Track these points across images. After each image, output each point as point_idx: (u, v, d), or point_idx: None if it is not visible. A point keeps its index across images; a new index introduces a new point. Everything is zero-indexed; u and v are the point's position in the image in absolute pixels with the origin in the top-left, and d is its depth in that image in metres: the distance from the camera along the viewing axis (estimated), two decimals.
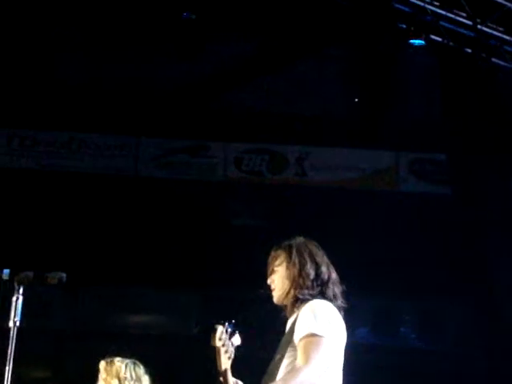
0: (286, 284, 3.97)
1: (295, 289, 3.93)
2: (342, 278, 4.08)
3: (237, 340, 3.65)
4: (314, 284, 3.93)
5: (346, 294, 4.05)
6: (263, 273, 4.14)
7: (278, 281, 4.00)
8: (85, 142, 14.71)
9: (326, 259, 4.03)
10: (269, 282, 4.04)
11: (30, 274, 3.89)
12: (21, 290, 3.87)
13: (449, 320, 13.99)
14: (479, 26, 9.83)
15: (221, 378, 3.65)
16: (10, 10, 11.23)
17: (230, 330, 3.63)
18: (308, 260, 3.97)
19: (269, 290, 4.06)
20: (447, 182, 12.78)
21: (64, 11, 11.71)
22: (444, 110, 11.66)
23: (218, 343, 3.59)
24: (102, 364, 5.73)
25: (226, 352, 3.60)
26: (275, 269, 4.03)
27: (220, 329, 3.60)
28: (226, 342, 3.60)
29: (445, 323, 13.98)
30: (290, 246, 4.04)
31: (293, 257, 3.99)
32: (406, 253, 13.22)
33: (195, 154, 14.85)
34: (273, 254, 4.08)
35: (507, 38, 9.91)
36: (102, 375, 5.70)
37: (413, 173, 14.76)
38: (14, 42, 12.19)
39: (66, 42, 12.58)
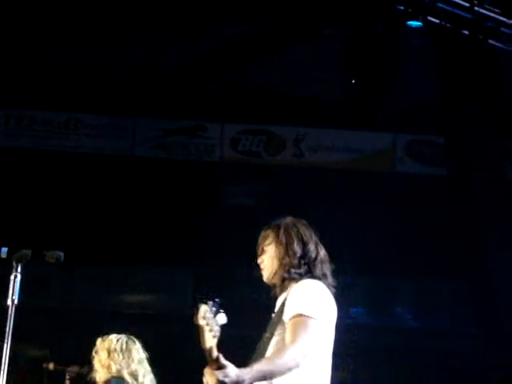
0: (275, 263, 3.99)
1: (283, 267, 3.96)
2: (338, 258, 4.09)
3: (222, 319, 3.65)
4: (302, 262, 3.95)
5: (341, 274, 4.06)
6: (257, 252, 4.18)
7: (268, 260, 4.03)
8: (82, 123, 14.70)
9: (314, 238, 4.05)
10: (259, 261, 4.08)
11: (28, 252, 3.91)
12: (19, 269, 3.88)
13: (444, 299, 14.04)
14: (476, 8, 9.82)
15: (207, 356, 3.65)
16: None
17: (214, 308, 3.64)
18: (295, 239, 3.99)
19: (259, 269, 4.09)
20: (444, 164, 12.81)
21: None
22: (441, 91, 11.67)
23: (202, 322, 3.59)
24: (98, 341, 5.77)
25: (211, 331, 3.60)
26: (265, 248, 4.07)
27: (203, 307, 3.61)
28: (210, 321, 3.60)
29: (440, 302, 14.04)
30: (278, 226, 4.06)
31: (280, 236, 4.01)
32: (402, 233, 13.28)
33: (192, 134, 14.85)
34: (262, 233, 4.11)
35: (504, 19, 9.89)
36: (95, 352, 5.74)
37: (409, 154, 14.78)
38: (12, 24, 12.17)
39: (63, 24, 12.56)
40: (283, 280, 3.96)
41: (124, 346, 5.66)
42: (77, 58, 13.63)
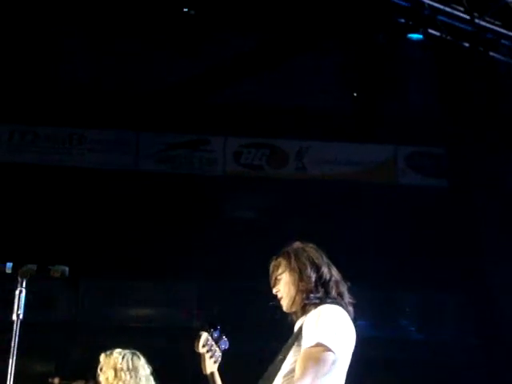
0: (292, 290, 3.93)
1: (301, 293, 3.90)
2: (342, 272, 4.07)
3: (224, 344, 3.68)
4: (318, 286, 3.89)
5: (347, 288, 4.05)
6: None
7: (284, 288, 3.96)
8: (85, 138, 14.75)
9: (325, 260, 4.00)
10: (274, 291, 4.01)
11: (33, 267, 3.89)
12: (24, 283, 3.85)
13: (448, 312, 14.03)
14: (476, 20, 9.87)
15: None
16: (12, 7, 11.27)
17: (215, 335, 3.65)
18: (307, 263, 3.94)
19: (277, 300, 4.01)
20: (445, 176, 12.84)
21: (65, 9, 11.76)
22: (441, 103, 11.72)
23: (202, 350, 3.64)
24: (102, 356, 5.77)
25: (212, 357, 3.64)
26: (278, 277, 4.00)
27: (204, 336, 3.66)
28: (212, 348, 3.63)
29: (444, 315, 14.03)
30: (288, 253, 4.00)
31: (292, 263, 3.95)
32: (405, 245, 13.27)
33: (195, 148, 14.89)
34: (273, 263, 4.05)
35: (504, 31, 9.94)
36: (101, 367, 5.75)
37: (411, 166, 14.80)
38: (15, 39, 12.24)
39: (66, 39, 12.64)
40: (303, 306, 3.91)
41: (130, 365, 5.66)
42: (80, 73, 13.69)
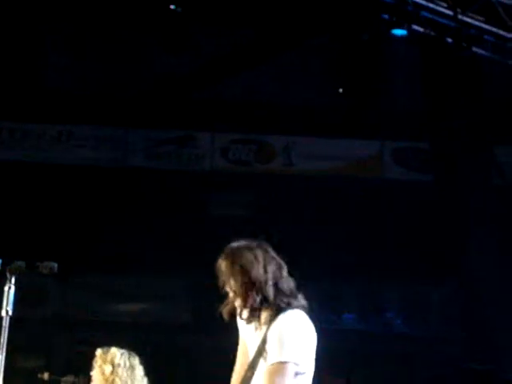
0: (241, 295, 3.90)
1: (249, 299, 3.86)
2: (328, 265, 4.11)
3: None
4: (266, 287, 3.84)
5: (331, 281, 4.08)
6: None
7: (233, 291, 3.95)
8: (74, 134, 14.77)
9: (270, 259, 3.93)
10: (225, 291, 4.01)
11: (22, 263, 3.93)
12: (13, 280, 3.89)
13: (432, 305, 14.12)
14: (460, 16, 9.94)
15: None
16: (1, 6, 11.29)
17: None
18: (254, 264, 3.89)
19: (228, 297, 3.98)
20: (430, 170, 12.92)
21: (51, 6, 11.78)
22: (426, 98, 11.79)
23: None
24: (99, 351, 5.81)
25: None
26: (225, 279, 4.01)
27: None
28: None
29: (429, 308, 14.11)
30: (229, 254, 4.01)
31: (237, 264, 3.94)
32: (391, 239, 13.36)
33: (183, 144, 14.93)
34: (217, 265, 4.06)
35: (487, 27, 10.01)
36: (97, 362, 5.79)
37: (396, 161, 14.88)
38: (1, 37, 12.25)
39: (53, 37, 12.66)
40: (253, 312, 3.86)
41: (127, 362, 5.73)
42: (68, 71, 13.71)
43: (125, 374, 5.67)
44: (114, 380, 5.65)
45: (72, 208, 13.85)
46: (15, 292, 3.91)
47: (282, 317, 3.80)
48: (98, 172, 14.44)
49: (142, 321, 13.79)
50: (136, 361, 5.77)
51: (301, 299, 3.90)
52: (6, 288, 3.91)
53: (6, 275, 3.93)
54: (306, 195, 13.96)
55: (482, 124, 11.73)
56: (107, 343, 5.91)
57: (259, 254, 3.93)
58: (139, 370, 5.75)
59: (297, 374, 3.77)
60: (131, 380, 5.68)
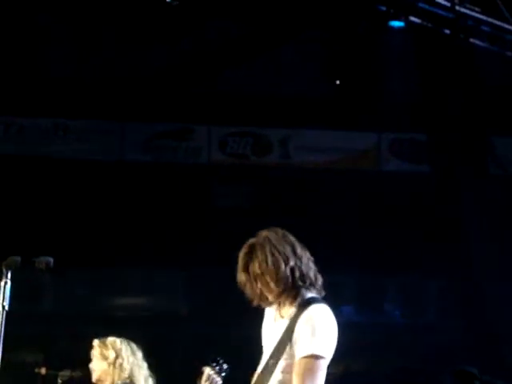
0: (270, 285, 3.84)
1: (279, 287, 3.82)
2: (327, 257, 4.08)
3: (225, 372, 3.76)
4: (292, 276, 3.81)
5: (330, 273, 4.03)
6: None
7: (255, 279, 3.87)
8: (70, 128, 14.75)
9: (296, 247, 3.89)
10: (239, 280, 3.93)
11: (18, 258, 3.93)
12: (9, 275, 3.90)
13: (431, 296, 14.15)
14: (457, 7, 9.91)
15: None
16: None
17: (218, 368, 3.75)
18: (278, 253, 3.84)
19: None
20: (427, 161, 12.94)
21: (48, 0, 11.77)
22: (423, 90, 11.79)
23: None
24: (96, 342, 5.81)
25: None
26: (250, 267, 3.89)
27: (206, 371, 3.73)
28: (214, 380, 3.71)
29: (428, 299, 14.15)
30: (261, 244, 3.89)
31: (263, 253, 3.85)
32: (389, 231, 13.38)
33: (180, 137, 14.92)
34: (242, 252, 3.94)
35: (484, 18, 9.99)
36: (95, 351, 5.77)
37: (393, 153, 14.89)
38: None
39: (48, 30, 12.62)
40: (285, 300, 3.84)
41: (128, 347, 5.75)
42: (63, 63, 13.68)
43: (131, 359, 5.69)
44: (121, 364, 5.65)
45: (68, 202, 13.83)
46: (12, 286, 3.91)
47: (312, 308, 3.77)
48: (94, 165, 14.42)
49: (140, 314, 13.80)
50: (134, 346, 5.80)
51: (321, 289, 3.88)
52: (2, 283, 3.93)
53: (1, 270, 3.92)
54: (304, 188, 13.96)
55: (479, 115, 11.73)
56: (104, 337, 5.91)
57: (284, 242, 3.88)
58: (139, 355, 5.77)
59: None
60: (136, 364, 5.70)
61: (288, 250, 3.86)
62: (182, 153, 14.88)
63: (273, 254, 3.82)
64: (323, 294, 3.90)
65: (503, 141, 13.32)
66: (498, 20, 10.00)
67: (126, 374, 5.65)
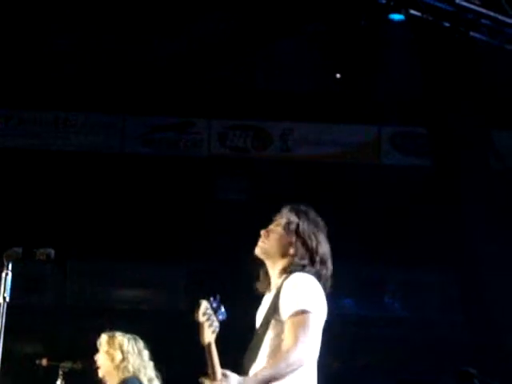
0: (280, 250, 3.96)
1: (293, 257, 3.93)
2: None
3: (222, 315, 3.69)
4: (304, 254, 3.93)
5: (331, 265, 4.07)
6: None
7: (274, 240, 3.98)
8: (70, 121, 14.76)
9: (321, 233, 4.02)
10: (262, 231, 4.03)
11: (19, 250, 3.93)
12: (10, 266, 3.90)
13: (433, 289, 14.16)
14: (457, 1, 9.91)
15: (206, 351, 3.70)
16: None
17: (214, 304, 3.68)
18: (306, 233, 3.97)
19: (258, 237, 4.03)
20: (428, 155, 12.93)
21: None
22: (424, 83, 11.78)
23: (202, 318, 3.64)
24: (104, 337, 5.83)
25: (210, 326, 3.64)
26: (275, 225, 4.04)
27: (204, 304, 3.66)
28: (211, 317, 3.65)
29: (429, 292, 14.15)
30: (297, 215, 4.05)
31: (293, 225, 4.00)
32: (390, 224, 13.39)
33: (180, 130, 14.92)
34: (283, 211, 4.09)
35: (484, 11, 9.99)
36: (103, 348, 5.79)
37: (394, 146, 14.89)
38: None
39: (50, 23, 12.61)
40: (286, 268, 3.91)
41: (135, 348, 5.78)
42: (64, 57, 13.68)
43: (137, 361, 5.72)
44: (126, 367, 5.68)
45: (69, 194, 13.85)
46: (13, 278, 3.90)
47: (295, 275, 3.86)
48: (94, 158, 14.43)
49: (140, 308, 13.82)
50: (141, 345, 5.82)
51: (328, 277, 3.96)
52: (3, 274, 3.92)
53: (2, 261, 3.93)
54: (304, 181, 13.96)
55: (480, 109, 11.72)
56: (106, 330, 5.93)
57: (313, 227, 4.03)
58: (146, 354, 5.79)
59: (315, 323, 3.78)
60: (141, 365, 5.73)
61: (313, 229, 4.01)
62: (182, 146, 14.89)
63: (307, 234, 3.98)
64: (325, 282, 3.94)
65: (503, 134, 13.31)
66: (498, 13, 10.00)
67: (129, 374, 5.69)
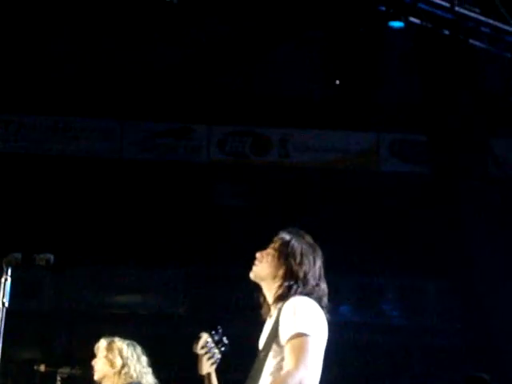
0: (268, 270, 3.96)
1: (288, 282, 3.91)
2: (325, 257, 4.11)
3: (224, 346, 3.70)
4: (296, 277, 3.92)
5: (329, 272, 4.08)
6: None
7: (266, 263, 3.98)
8: (70, 126, 14.77)
9: (317, 261, 4.00)
10: (258, 255, 4.03)
11: (18, 255, 3.94)
12: (9, 272, 3.91)
13: (430, 297, 14.16)
14: (457, 8, 9.93)
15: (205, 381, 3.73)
16: None
17: (216, 337, 3.69)
18: (296, 253, 3.96)
19: (252, 261, 4.04)
20: (427, 162, 12.95)
21: None
22: (423, 90, 11.80)
23: (200, 351, 3.66)
24: (103, 343, 5.82)
25: (210, 358, 3.66)
26: (269, 251, 4.03)
27: (204, 337, 3.67)
28: (211, 350, 3.66)
29: (426, 300, 14.15)
30: (288, 241, 4.01)
31: (284, 250, 3.98)
32: (388, 231, 13.39)
33: (179, 136, 14.94)
34: (275, 239, 4.07)
35: (484, 19, 10.01)
36: (101, 353, 5.79)
37: (393, 153, 14.90)
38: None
39: (50, 28, 12.63)
40: (285, 294, 3.90)
41: (134, 354, 5.77)
42: (63, 62, 13.69)
43: (138, 367, 5.71)
44: (127, 373, 5.68)
45: (68, 200, 13.85)
46: (11, 284, 3.91)
47: (293, 299, 3.86)
48: (94, 164, 14.44)
49: (139, 312, 13.81)
50: (140, 351, 5.82)
51: (324, 300, 3.96)
52: (3, 280, 3.92)
53: (2, 267, 3.93)
54: (303, 187, 13.98)
55: (479, 116, 11.74)
56: (104, 335, 5.92)
57: (306, 246, 4.02)
58: (144, 360, 5.79)
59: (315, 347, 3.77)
60: (142, 371, 5.73)
61: (306, 251, 3.99)
62: (182, 151, 14.90)
63: (296, 254, 3.97)
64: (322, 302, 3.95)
65: (501, 142, 13.33)
66: (498, 21, 10.02)
67: (132, 380, 5.69)
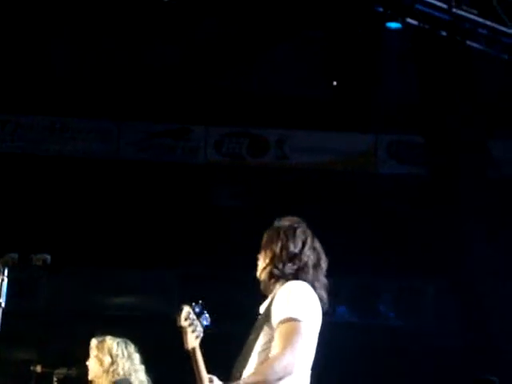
0: (267, 260, 4.00)
1: (273, 264, 3.95)
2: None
3: (206, 320, 3.70)
4: (293, 263, 3.94)
5: (326, 274, 4.05)
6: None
7: (262, 257, 4.04)
8: (67, 127, 14.76)
9: (311, 243, 4.04)
10: (259, 257, 4.10)
11: (15, 255, 3.92)
12: (5, 272, 3.89)
13: (427, 298, 14.15)
14: (454, 9, 9.94)
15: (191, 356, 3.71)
16: None
17: (197, 309, 3.68)
18: (290, 240, 3.99)
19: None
20: (424, 164, 12.96)
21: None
22: (421, 92, 11.81)
23: (184, 323, 3.65)
24: (94, 342, 5.81)
25: (194, 331, 3.65)
26: (264, 247, 4.07)
27: (186, 309, 3.66)
28: (194, 322, 3.65)
29: (423, 301, 14.15)
30: (278, 227, 4.06)
31: (277, 236, 4.02)
32: (385, 232, 13.39)
33: (177, 137, 14.93)
34: (265, 234, 4.12)
35: (481, 20, 10.02)
36: (93, 352, 5.78)
37: (391, 155, 14.90)
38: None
39: (48, 29, 12.63)
40: (270, 277, 3.96)
41: (125, 352, 5.75)
42: (61, 62, 13.69)
43: (127, 365, 5.70)
44: (115, 370, 5.67)
45: (64, 200, 13.84)
46: (8, 284, 3.89)
47: (288, 283, 3.89)
48: (91, 164, 14.43)
49: (135, 313, 13.80)
50: (132, 348, 5.80)
51: (321, 284, 3.97)
52: None
53: None
54: (300, 189, 13.97)
55: (477, 117, 11.75)
56: (102, 336, 5.91)
57: (300, 232, 4.05)
58: (137, 358, 5.77)
59: (305, 332, 3.79)
60: (132, 369, 5.71)
61: (299, 242, 4.01)
62: (179, 153, 14.89)
63: (293, 240, 4.00)
64: (318, 289, 3.96)
65: (499, 144, 13.33)
66: (495, 23, 10.03)
67: (119, 377, 5.67)
